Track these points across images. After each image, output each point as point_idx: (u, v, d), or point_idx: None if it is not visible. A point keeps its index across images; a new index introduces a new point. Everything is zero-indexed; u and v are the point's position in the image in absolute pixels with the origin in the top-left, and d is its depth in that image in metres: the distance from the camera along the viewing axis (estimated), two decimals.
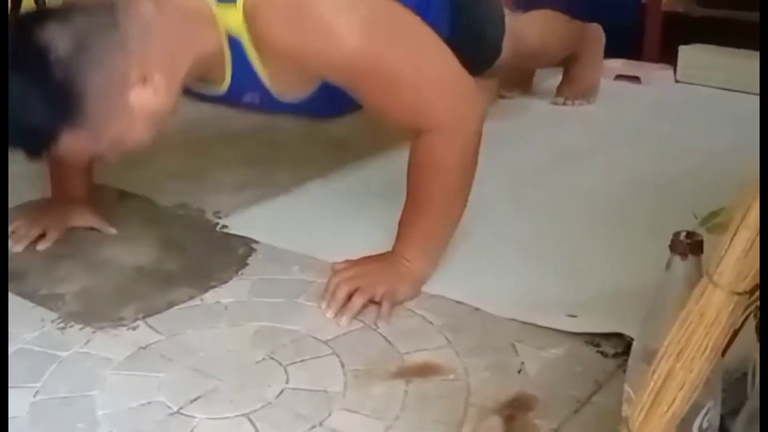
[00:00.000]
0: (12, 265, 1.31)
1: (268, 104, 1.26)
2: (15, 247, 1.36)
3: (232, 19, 1.14)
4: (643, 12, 2.30)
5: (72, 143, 1.09)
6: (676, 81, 2.20)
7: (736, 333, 0.72)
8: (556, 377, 1.02)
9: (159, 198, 1.55)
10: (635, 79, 2.20)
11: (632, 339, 0.85)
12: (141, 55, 1.09)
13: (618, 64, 2.22)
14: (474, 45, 1.26)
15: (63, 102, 1.05)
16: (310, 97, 1.26)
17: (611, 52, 2.10)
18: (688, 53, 2.20)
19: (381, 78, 1.15)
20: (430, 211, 1.21)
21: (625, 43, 2.24)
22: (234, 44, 1.16)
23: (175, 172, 1.67)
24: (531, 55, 1.85)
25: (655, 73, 2.21)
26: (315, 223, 1.44)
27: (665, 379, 0.69)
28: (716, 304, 0.67)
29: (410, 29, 1.20)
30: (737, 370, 0.81)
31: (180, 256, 1.34)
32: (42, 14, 1.10)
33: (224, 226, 1.44)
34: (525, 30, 1.74)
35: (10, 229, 1.38)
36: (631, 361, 0.81)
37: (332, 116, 1.44)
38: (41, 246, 1.36)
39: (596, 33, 2.02)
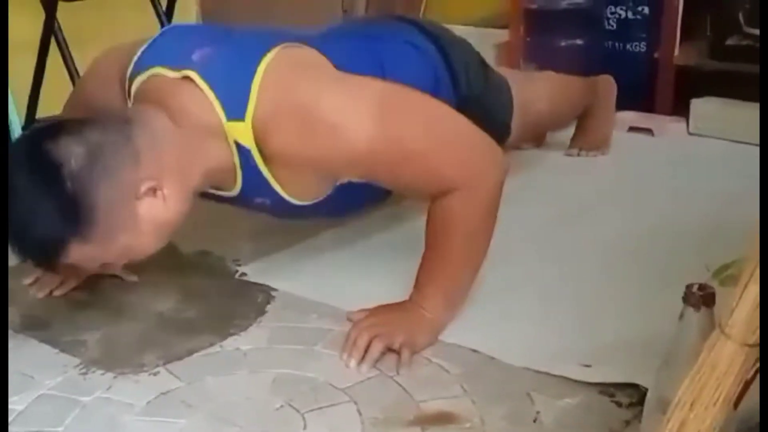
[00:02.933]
0: (35, 312, 1.34)
1: (280, 207, 1.29)
2: (38, 293, 1.39)
3: (242, 135, 1.17)
4: (656, 66, 2.33)
5: (81, 254, 1.11)
6: (689, 133, 2.22)
7: (748, 384, 0.73)
8: (572, 427, 1.03)
9: (180, 245, 1.58)
10: (648, 131, 2.22)
11: (647, 389, 0.86)
12: (152, 167, 1.12)
13: (631, 116, 2.24)
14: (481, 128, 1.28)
15: (73, 214, 1.08)
16: (323, 199, 1.28)
17: (624, 104, 2.13)
18: (700, 106, 2.22)
19: (399, 160, 1.18)
20: (449, 262, 1.23)
21: (637, 95, 2.27)
22: (243, 155, 1.19)
23: (196, 221, 1.69)
24: (542, 125, 1.89)
25: (667, 126, 2.23)
26: (332, 271, 1.46)
27: (679, 429, 0.70)
28: (728, 355, 0.69)
29: (417, 103, 1.23)
30: (752, 419, 0.81)
31: (200, 304, 1.36)
32: (56, 127, 1.13)
33: (243, 274, 1.46)
34: (534, 102, 1.75)
35: (34, 276, 1.41)
36: (645, 411, 0.83)
37: (346, 215, 1.46)
38: (57, 292, 1.39)
39: (608, 85, 2.04)
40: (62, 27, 2.04)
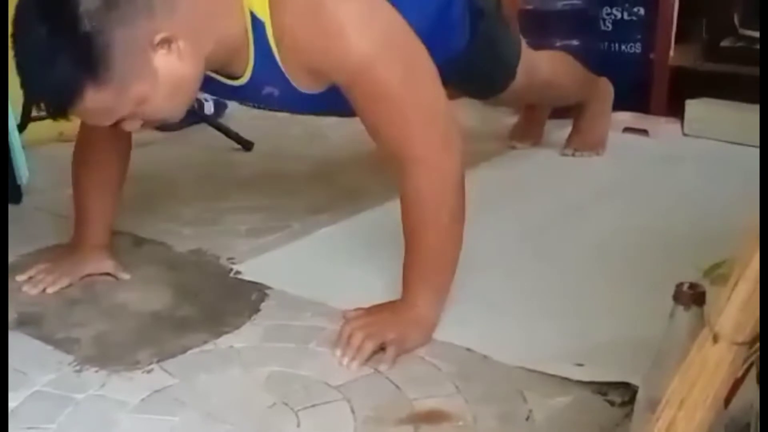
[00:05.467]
0: (30, 309, 1.34)
1: (287, 98, 1.28)
2: (32, 290, 1.39)
3: (257, 2, 1.18)
4: (651, 67, 2.34)
5: (96, 99, 1.10)
6: (684, 134, 2.22)
7: (738, 383, 0.74)
8: (564, 426, 1.03)
9: (174, 244, 1.58)
10: (643, 132, 2.23)
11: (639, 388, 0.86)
12: (167, 20, 1.12)
13: (626, 117, 2.25)
14: (491, 56, 1.28)
15: (89, 55, 1.07)
16: (327, 90, 1.27)
17: (620, 105, 2.13)
18: (694, 107, 2.23)
19: (378, 92, 1.18)
20: (425, 251, 1.23)
21: (633, 96, 2.28)
22: (257, 29, 1.20)
23: (190, 219, 1.70)
24: (543, 87, 1.88)
25: (662, 127, 2.24)
26: (327, 269, 1.46)
27: (668, 429, 0.71)
28: (717, 354, 0.69)
29: (415, 56, 1.23)
30: (741, 419, 0.82)
31: (194, 302, 1.37)
32: None
33: (238, 272, 1.46)
34: (539, 61, 1.80)
35: (30, 273, 1.42)
36: (635, 410, 0.83)
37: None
38: (50, 289, 1.39)
39: (606, 87, 2.06)
40: None
